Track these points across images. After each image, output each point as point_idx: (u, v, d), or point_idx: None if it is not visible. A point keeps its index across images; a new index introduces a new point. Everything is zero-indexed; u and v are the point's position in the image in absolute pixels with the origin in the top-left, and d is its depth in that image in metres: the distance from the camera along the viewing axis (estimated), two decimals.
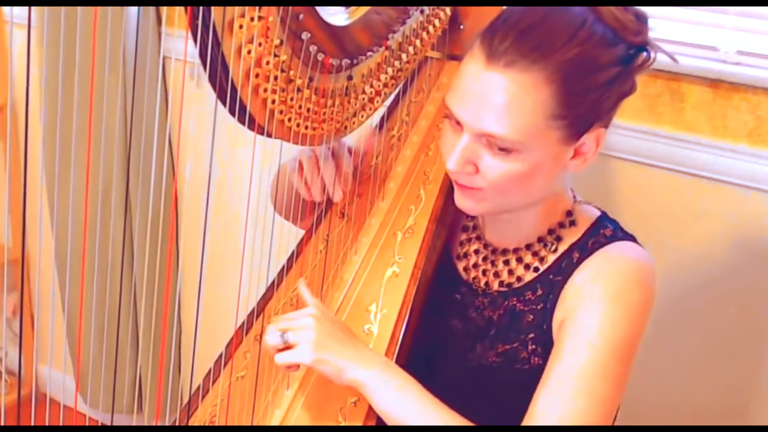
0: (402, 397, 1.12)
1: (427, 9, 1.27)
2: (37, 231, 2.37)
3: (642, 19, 1.14)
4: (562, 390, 1.09)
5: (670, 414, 1.76)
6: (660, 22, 1.62)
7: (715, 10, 1.60)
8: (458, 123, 1.13)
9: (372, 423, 1.15)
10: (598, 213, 1.24)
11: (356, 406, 1.16)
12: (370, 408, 1.14)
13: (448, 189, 1.27)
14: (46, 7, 2.05)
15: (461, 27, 1.35)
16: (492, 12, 1.16)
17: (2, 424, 2.06)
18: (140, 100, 2.10)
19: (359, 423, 1.15)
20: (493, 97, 1.08)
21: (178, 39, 1.37)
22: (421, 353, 1.26)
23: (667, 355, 1.73)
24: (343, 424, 1.16)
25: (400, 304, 1.22)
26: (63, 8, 1.98)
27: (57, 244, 2.39)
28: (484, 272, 1.27)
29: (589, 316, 1.12)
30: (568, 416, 1.08)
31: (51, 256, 2.31)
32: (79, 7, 1.87)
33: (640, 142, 1.67)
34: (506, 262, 1.25)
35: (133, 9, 2.02)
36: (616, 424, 1.23)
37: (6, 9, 2.22)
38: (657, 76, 1.63)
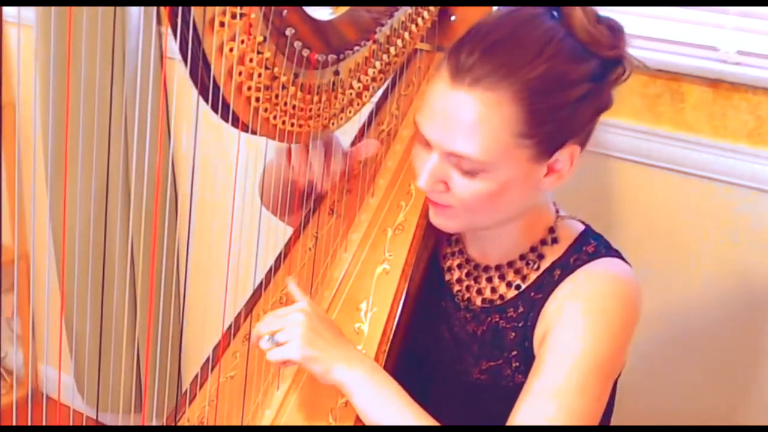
0: (382, 399, 1.10)
1: None
2: (37, 230, 2.38)
3: (616, 32, 1.10)
4: (542, 405, 1.07)
5: (668, 416, 1.75)
6: (660, 22, 1.62)
7: (715, 10, 1.59)
8: (428, 142, 1.11)
9: (363, 423, 1.14)
10: (581, 228, 1.22)
11: (347, 406, 1.14)
12: None
13: None
14: (44, 7, 2.06)
15: (452, 18, 1.32)
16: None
17: (2, 424, 2.06)
18: (138, 99, 2.10)
19: (350, 423, 1.14)
20: (459, 117, 1.06)
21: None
22: (412, 354, 1.26)
23: (663, 356, 1.72)
24: (333, 424, 1.15)
25: (390, 302, 1.21)
26: (61, 8, 1.99)
27: (54, 243, 2.39)
28: (467, 288, 1.26)
29: (570, 332, 1.10)
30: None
31: (48, 255, 2.31)
32: (76, 7, 1.87)
33: (640, 142, 1.65)
34: (489, 279, 1.24)
35: (132, 8, 2.03)
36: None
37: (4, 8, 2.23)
38: (657, 76, 1.62)
